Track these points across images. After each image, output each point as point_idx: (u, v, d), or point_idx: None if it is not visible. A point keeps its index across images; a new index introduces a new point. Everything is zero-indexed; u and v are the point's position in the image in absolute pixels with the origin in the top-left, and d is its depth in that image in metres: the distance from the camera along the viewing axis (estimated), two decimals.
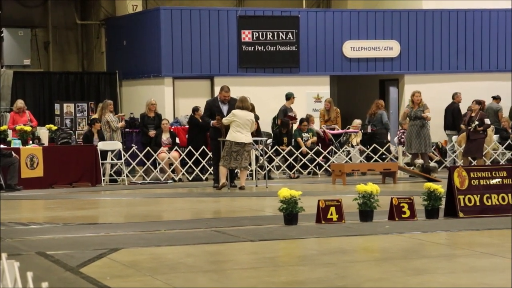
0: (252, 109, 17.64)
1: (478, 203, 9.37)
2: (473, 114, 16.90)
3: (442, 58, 20.95)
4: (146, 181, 16.30)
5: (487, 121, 16.91)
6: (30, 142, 15.59)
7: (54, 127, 17.39)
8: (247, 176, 16.49)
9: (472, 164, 16.36)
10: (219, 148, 14.22)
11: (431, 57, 20.90)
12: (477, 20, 21.03)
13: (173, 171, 16.69)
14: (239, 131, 13.77)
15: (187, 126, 17.90)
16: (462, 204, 9.32)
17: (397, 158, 17.71)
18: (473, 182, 9.43)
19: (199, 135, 16.70)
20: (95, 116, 17.17)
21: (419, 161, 16.22)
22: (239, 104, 13.97)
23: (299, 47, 20.15)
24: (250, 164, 15.10)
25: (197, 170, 16.61)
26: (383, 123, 18.48)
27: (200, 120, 15.98)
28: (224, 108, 14.49)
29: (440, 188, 9.26)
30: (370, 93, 21.68)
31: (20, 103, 17.17)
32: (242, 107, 13.93)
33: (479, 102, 17.16)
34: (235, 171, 14.77)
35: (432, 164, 16.57)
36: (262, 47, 19.96)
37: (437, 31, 20.85)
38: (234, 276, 6.07)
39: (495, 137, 18.93)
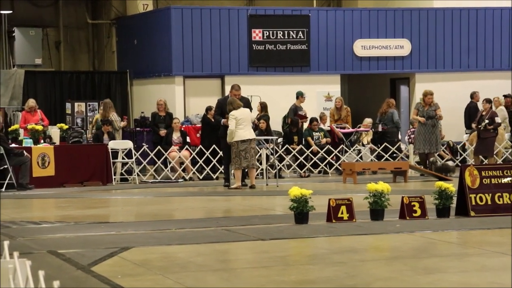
0: (265, 107, 17.69)
1: (489, 202, 9.34)
2: (483, 113, 16.84)
3: (453, 56, 20.89)
4: (157, 180, 16.33)
5: (498, 119, 16.84)
6: (42, 141, 15.65)
7: (65, 126, 17.46)
8: (258, 175, 16.52)
9: (484, 163, 16.30)
10: (229, 147, 14.24)
11: (442, 55, 20.84)
12: (488, 18, 20.96)
13: (183, 170, 16.72)
14: (241, 128, 13.83)
15: (198, 125, 17.93)
16: (474, 203, 9.29)
17: (408, 156, 17.68)
18: (485, 181, 9.40)
19: (212, 134, 16.72)
20: (98, 116, 17.17)
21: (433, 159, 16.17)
22: (230, 107, 13.99)
23: (309, 46, 20.14)
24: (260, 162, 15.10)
25: (207, 169, 16.62)
26: (394, 121, 18.45)
27: (213, 120, 16.01)
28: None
29: (451, 187, 9.23)
30: (381, 92, 21.64)
31: (31, 102, 17.23)
32: (234, 108, 13.94)
33: (489, 101, 17.11)
34: (245, 170, 14.78)
35: (450, 163, 16.50)
36: (273, 46, 19.95)
37: (448, 29, 20.79)
38: (244, 275, 6.07)
39: (507, 135, 18.86)
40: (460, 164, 15.09)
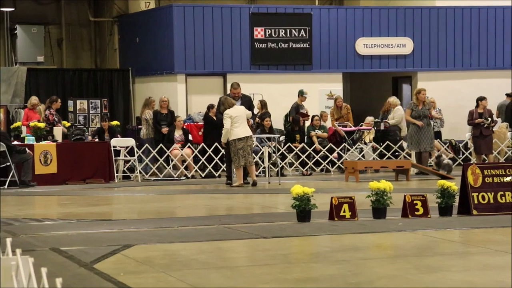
0: (265, 105, 17.69)
1: (492, 201, 9.33)
2: (479, 111, 16.82)
3: (455, 55, 20.87)
4: (159, 178, 16.33)
5: (494, 117, 16.94)
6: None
7: (67, 124, 17.46)
8: (260, 173, 16.53)
9: (486, 162, 16.29)
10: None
11: (444, 54, 20.82)
12: (491, 17, 20.94)
13: (186, 168, 16.72)
14: (237, 126, 13.81)
15: (201, 123, 17.93)
16: (476, 202, 9.28)
17: (410, 155, 17.65)
18: (487, 180, 9.39)
19: (214, 132, 16.72)
20: (138, 115, 17.25)
21: (436, 158, 16.15)
22: (222, 107, 13.99)
23: (311, 44, 20.13)
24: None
25: (210, 167, 16.63)
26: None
27: (215, 118, 16.01)
28: (237, 104, 14.52)
29: (454, 185, 9.22)
30: (383, 90, 21.63)
31: (34, 99, 17.23)
32: (227, 107, 13.91)
33: (484, 98, 17.10)
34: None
35: (446, 161, 16.47)
36: (275, 44, 19.95)
37: (450, 28, 20.78)
38: (246, 272, 6.07)
39: (509, 134, 18.84)
40: (462, 163, 15.07)
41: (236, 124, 13.81)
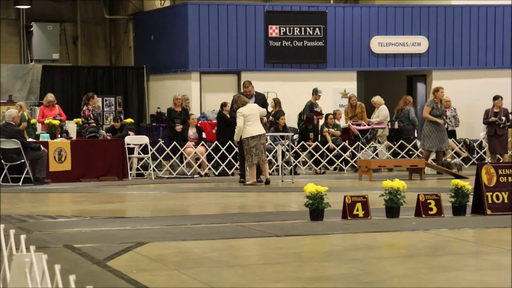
0: (278, 103, 17.68)
1: (506, 201, 9.28)
2: (495, 110, 16.75)
3: (470, 54, 20.78)
4: (173, 176, 16.37)
5: (510, 116, 16.83)
6: (59, 135, 15.72)
7: (79, 121, 17.50)
8: (273, 171, 16.53)
9: (501, 161, 16.21)
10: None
11: (459, 53, 20.74)
12: (507, 16, 20.82)
13: (199, 166, 16.75)
14: (249, 125, 13.81)
15: (214, 121, 17.95)
16: (490, 201, 9.24)
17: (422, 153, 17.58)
18: (501, 179, 9.34)
19: (227, 130, 16.73)
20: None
21: (449, 159, 16.08)
22: (235, 106, 14.00)
23: (326, 43, 20.10)
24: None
25: (223, 165, 16.64)
26: (410, 119, 18.38)
27: (229, 116, 16.02)
28: (250, 102, 14.53)
29: (468, 185, 9.19)
30: (398, 89, 21.57)
31: (50, 96, 17.31)
32: (240, 105, 13.91)
33: (499, 97, 17.02)
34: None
35: (455, 160, 16.40)
36: (289, 42, 19.94)
37: (466, 26, 20.68)
38: (259, 271, 6.08)
39: None
40: (477, 162, 15.01)
41: (249, 122, 13.80)
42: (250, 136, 13.82)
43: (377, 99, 18.60)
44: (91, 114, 16.37)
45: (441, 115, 16.04)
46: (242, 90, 14.97)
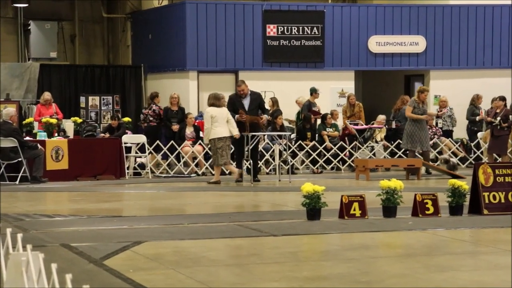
0: (276, 102, 17.69)
1: (503, 200, 9.30)
2: (497, 111, 16.75)
3: (468, 53, 20.78)
4: (170, 175, 16.36)
5: (511, 117, 16.74)
6: (56, 134, 15.71)
7: (79, 120, 17.51)
8: (271, 171, 16.54)
9: (498, 161, 16.22)
10: (242, 142, 14.29)
11: (457, 52, 20.74)
12: (505, 15, 20.83)
13: (196, 165, 16.74)
14: (217, 126, 14.00)
15: None
16: (487, 201, 9.25)
17: (421, 154, 17.59)
18: (498, 179, 9.35)
19: None
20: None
21: (444, 156, 16.06)
22: (215, 102, 14.08)
23: (324, 42, 20.10)
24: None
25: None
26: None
27: None
28: (245, 102, 14.58)
29: (465, 184, 9.20)
30: (395, 88, 21.58)
31: (47, 95, 17.29)
32: (218, 105, 14.00)
33: (503, 98, 16.99)
34: (258, 165, 14.82)
35: (452, 160, 16.39)
36: (287, 41, 19.93)
37: (464, 26, 20.69)
38: (256, 270, 6.08)
39: None
40: (474, 162, 15.00)
41: (216, 123, 14.00)
42: (217, 137, 13.99)
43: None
44: (156, 111, 16.75)
45: (422, 114, 15.86)
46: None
